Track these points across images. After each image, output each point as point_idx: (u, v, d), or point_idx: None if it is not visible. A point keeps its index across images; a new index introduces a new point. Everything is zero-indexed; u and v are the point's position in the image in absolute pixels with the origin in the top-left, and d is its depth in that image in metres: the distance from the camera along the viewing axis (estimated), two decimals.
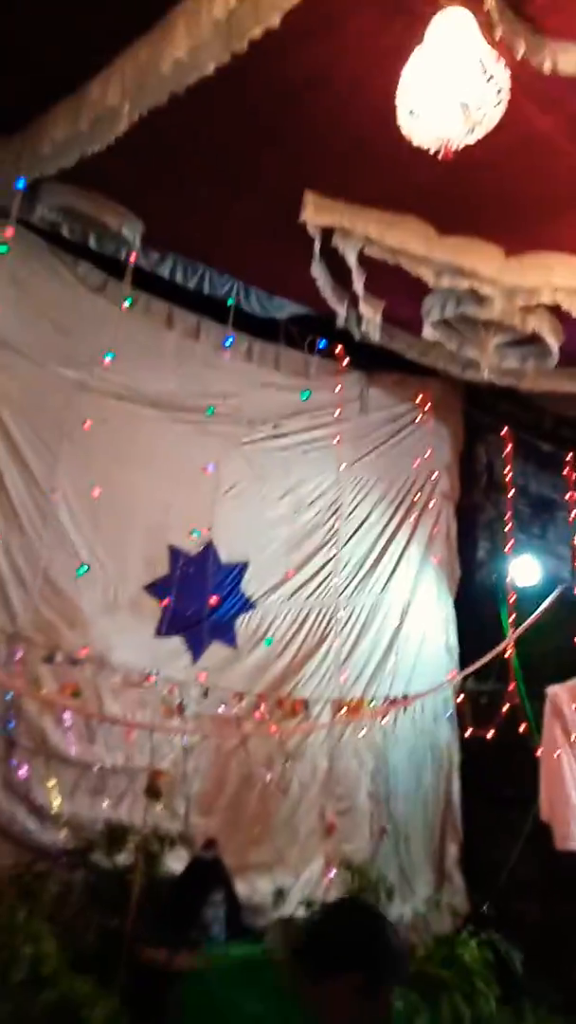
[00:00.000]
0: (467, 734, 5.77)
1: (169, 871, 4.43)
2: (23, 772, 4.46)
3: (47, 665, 4.71)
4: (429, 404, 6.47)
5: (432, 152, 3.05)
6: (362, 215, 4.42)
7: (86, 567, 4.94)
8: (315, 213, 4.42)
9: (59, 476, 4.94)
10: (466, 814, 5.85)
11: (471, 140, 2.98)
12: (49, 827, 4.42)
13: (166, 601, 5.16)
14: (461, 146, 2.98)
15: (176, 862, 4.47)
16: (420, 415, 6.47)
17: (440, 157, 3.03)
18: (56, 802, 4.47)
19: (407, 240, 4.41)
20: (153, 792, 4.28)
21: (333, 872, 4.88)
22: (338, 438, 5.96)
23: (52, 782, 4.49)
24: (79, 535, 5.00)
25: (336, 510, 5.96)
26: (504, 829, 5.34)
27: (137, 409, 5.34)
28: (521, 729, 5.44)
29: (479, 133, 2.94)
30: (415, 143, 3.06)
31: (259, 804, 5.10)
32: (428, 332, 5.25)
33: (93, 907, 4.19)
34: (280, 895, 4.65)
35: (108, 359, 4.89)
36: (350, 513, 6.04)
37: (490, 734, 5.52)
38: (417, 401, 6.45)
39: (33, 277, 5.05)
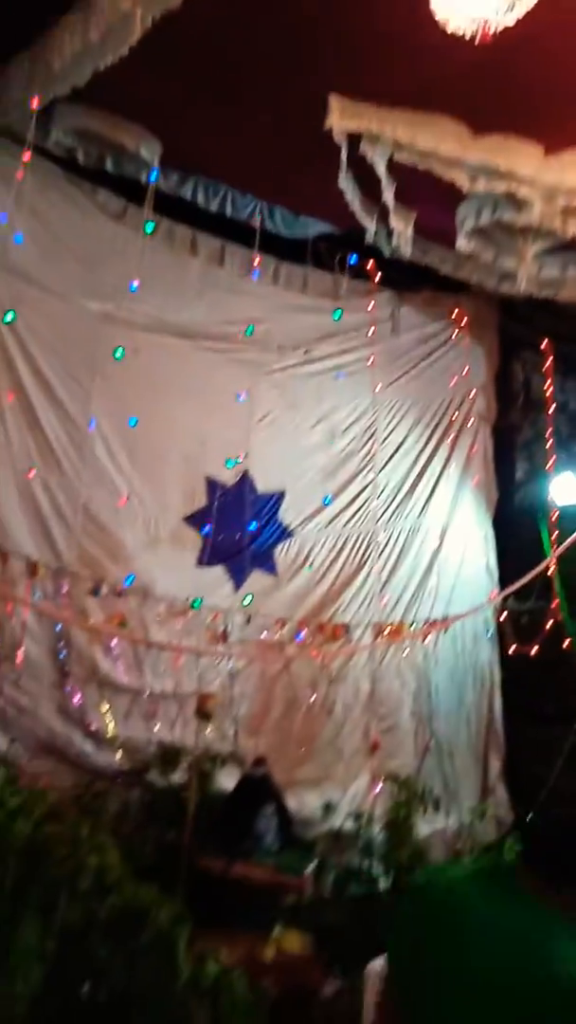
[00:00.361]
0: (509, 652, 5.80)
1: (221, 789, 4.61)
2: (77, 699, 4.63)
3: (93, 598, 4.81)
4: (463, 321, 6.25)
5: (468, 37, 2.83)
6: (391, 117, 4.18)
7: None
8: (341, 118, 4.18)
9: (92, 411, 4.93)
10: (509, 731, 5.95)
11: (510, 20, 2.75)
12: (105, 750, 4.61)
13: (206, 532, 5.22)
14: (499, 28, 2.75)
15: (228, 780, 4.65)
16: (454, 333, 6.27)
17: (477, 42, 2.81)
18: (110, 726, 4.65)
19: (439, 141, 4.17)
20: (203, 714, 4.41)
21: (379, 786, 5.04)
22: (371, 359, 5.80)
23: (105, 708, 4.66)
24: (116, 470, 5.03)
25: (371, 435, 5.88)
26: (546, 744, 5.41)
27: (165, 340, 5.27)
28: (564, 646, 5.43)
29: (519, 11, 2.71)
30: (450, 28, 2.84)
31: (304, 725, 5.24)
32: (462, 243, 5.01)
33: (151, 823, 4.40)
34: (328, 808, 4.83)
35: (133, 289, 4.79)
36: (385, 438, 5.95)
37: (533, 652, 5.53)
38: (450, 319, 6.24)
39: (51, 208, 4.93)
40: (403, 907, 1.66)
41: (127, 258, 4.95)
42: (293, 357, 5.72)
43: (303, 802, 4.88)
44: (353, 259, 5.71)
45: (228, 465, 5.35)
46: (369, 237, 5.22)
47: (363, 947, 3.45)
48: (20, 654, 4.49)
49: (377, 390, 5.84)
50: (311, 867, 4.32)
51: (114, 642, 4.80)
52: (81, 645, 4.72)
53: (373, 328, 5.84)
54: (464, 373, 6.18)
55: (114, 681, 4.78)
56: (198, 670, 4.97)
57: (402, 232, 5.03)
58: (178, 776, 4.56)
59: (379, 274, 5.79)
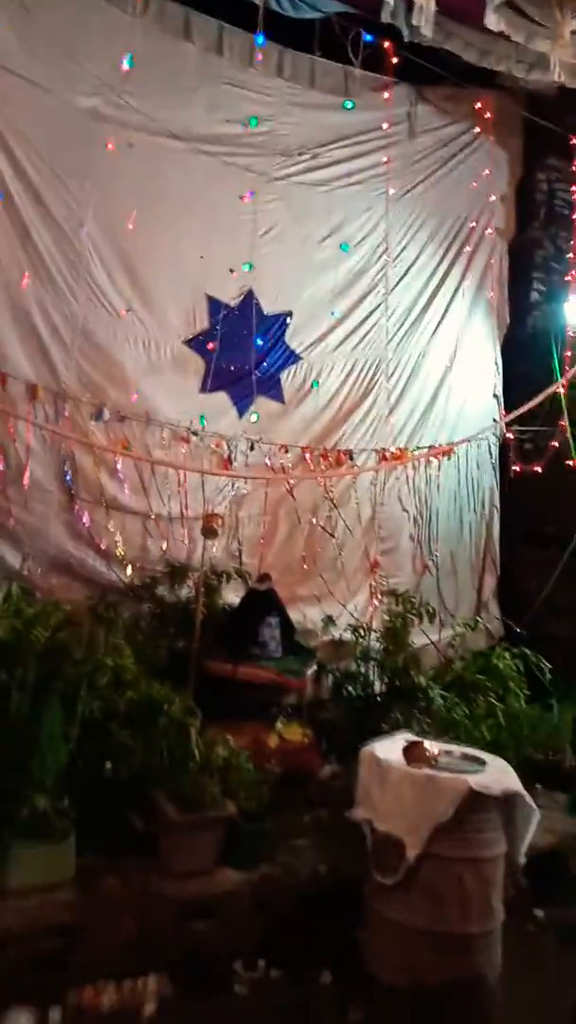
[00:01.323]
0: (511, 474, 5.85)
1: (227, 603, 4.84)
2: (86, 521, 4.74)
3: (95, 423, 4.78)
4: (487, 119, 5.68)
5: None
6: None
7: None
8: None
9: (86, 222, 4.62)
10: (507, 551, 6.11)
11: None
12: (116, 567, 4.79)
13: (208, 356, 5.06)
14: None
15: (233, 596, 4.88)
16: (475, 137, 5.73)
17: None
18: (120, 546, 4.79)
19: None
20: (209, 531, 4.53)
21: (378, 600, 5.30)
22: (386, 160, 5.32)
23: (113, 528, 4.78)
24: (113, 288, 4.80)
25: (384, 251, 5.53)
26: (542, 563, 5.63)
27: (159, 141, 4.82)
28: (570, 464, 5.44)
29: None
30: None
31: (307, 546, 5.37)
32: (491, 20, 4.46)
33: (161, 633, 4.65)
34: (330, 620, 5.10)
35: (130, 64, 4.32)
36: (399, 254, 5.61)
37: (538, 471, 5.56)
38: (472, 119, 5.68)
39: None
40: None
41: (115, 43, 4.43)
42: (300, 162, 5.27)
43: (305, 615, 5.14)
44: (368, 38, 5.05)
45: (232, 275, 5.05)
46: (386, 14, 4.61)
47: (358, 738, 3.80)
48: (26, 476, 4.54)
49: (391, 197, 5.40)
50: (311, 670, 4.65)
51: (119, 465, 4.83)
52: (87, 469, 4.75)
53: (388, 125, 5.31)
54: (487, 175, 5.69)
55: (121, 504, 4.85)
56: (204, 495, 5.04)
57: (424, 6, 4.45)
58: (186, 592, 4.77)
59: (395, 61, 5.17)
